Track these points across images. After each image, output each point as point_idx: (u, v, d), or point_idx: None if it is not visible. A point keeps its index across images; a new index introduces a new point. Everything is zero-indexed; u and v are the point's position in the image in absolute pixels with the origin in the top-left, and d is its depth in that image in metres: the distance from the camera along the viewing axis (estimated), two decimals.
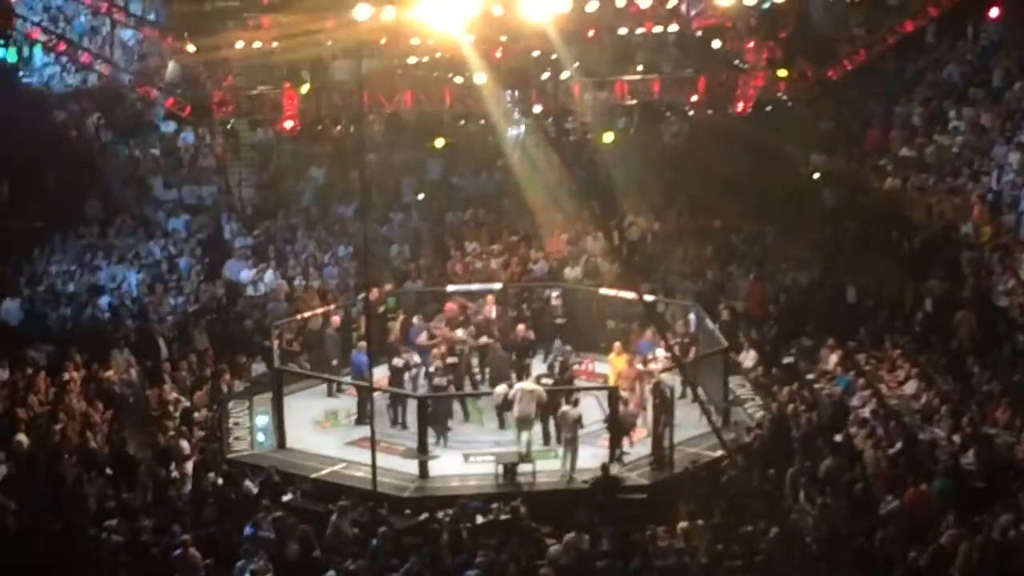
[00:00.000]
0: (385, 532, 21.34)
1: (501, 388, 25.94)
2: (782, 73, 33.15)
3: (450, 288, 31.18)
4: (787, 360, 29.24)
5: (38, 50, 36.40)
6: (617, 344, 27.53)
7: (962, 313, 28.33)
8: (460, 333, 28.56)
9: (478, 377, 28.42)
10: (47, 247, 33.13)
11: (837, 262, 32.09)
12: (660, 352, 26.47)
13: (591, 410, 25.86)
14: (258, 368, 29.36)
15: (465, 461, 24.97)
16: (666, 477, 24.45)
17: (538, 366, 28.55)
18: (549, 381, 26.72)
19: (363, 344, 27.08)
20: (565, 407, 24.86)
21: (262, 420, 26.94)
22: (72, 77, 37.71)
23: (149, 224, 34.62)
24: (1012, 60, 33.97)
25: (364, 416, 26.27)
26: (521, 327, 29.15)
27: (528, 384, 25.67)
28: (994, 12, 34.08)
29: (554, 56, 32.56)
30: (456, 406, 27.12)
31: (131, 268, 32.72)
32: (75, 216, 34.47)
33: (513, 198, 34.66)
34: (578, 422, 24.64)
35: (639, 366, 26.59)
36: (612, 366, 27.03)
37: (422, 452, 24.81)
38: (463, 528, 21.97)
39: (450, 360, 27.39)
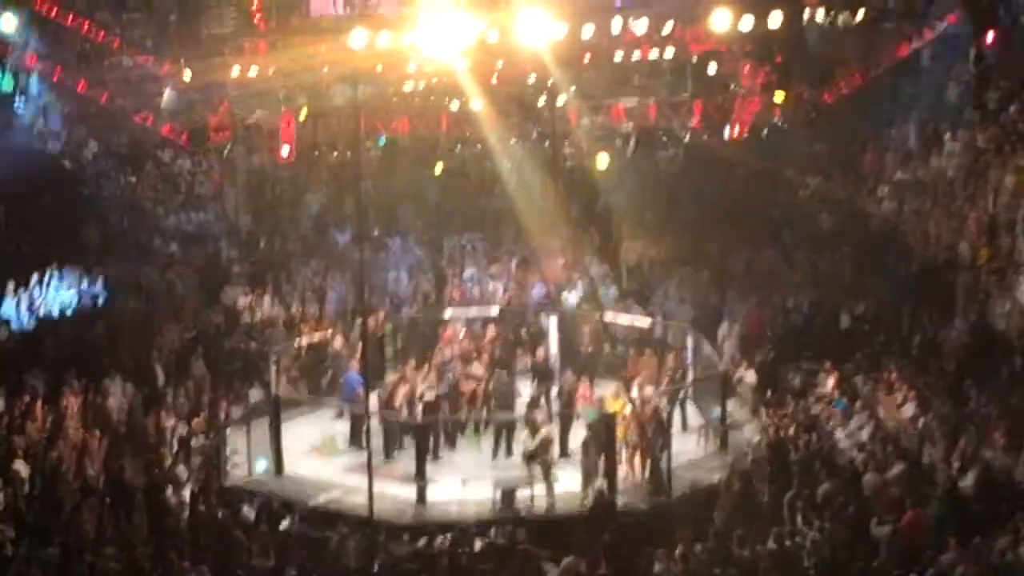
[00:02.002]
0: (384, 559, 21.33)
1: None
2: (778, 97, 33.17)
3: (447, 313, 31.21)
4: (785, 383, 29.29)
5: (34, 78, 36.39)
6: (612, 389, 27.49)
7: (954, 333, 28.40)
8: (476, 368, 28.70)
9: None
10: (45, 274, 33.12)
11: (834, 285, 32.11)
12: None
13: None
14: (256, 394, 29.36)
15: (463, 486, 24.96)
16: (664, 502, 24.45)
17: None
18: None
19: (355, 364, 27.19)
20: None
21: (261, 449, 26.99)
22: (68, 105, 37.71)
23: (146, 250, 34.64)
24: (1008, 82, 33.95)
25: (357, 438, 26.42)
26: (540, 352, 29.29)
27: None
28: (990, 36, 34.13)
29: (550, 81, 32.58)
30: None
31: (129, 294, 32.77)
32: (72, 243, 34.45)
33: (510, 223, 34.73)
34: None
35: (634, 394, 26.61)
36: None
37: (420, 478, 24.82)
38: (462, 553, 21.94)
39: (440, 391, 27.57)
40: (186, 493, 24.84)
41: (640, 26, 31.67)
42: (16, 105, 36.18)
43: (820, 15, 32.79)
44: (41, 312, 31.97)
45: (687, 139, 34.81)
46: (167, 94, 34.09)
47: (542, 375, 28.93)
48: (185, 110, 34.16)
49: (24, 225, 34.08)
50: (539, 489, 24.56)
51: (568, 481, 24.82)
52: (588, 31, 31.31)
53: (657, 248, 34.35)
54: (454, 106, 33.46)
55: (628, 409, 25.87)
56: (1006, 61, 34.27)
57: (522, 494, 24.41)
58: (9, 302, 31.77)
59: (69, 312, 32.06)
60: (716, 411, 27.31)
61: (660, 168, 36.67)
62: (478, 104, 32.46)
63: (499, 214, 35.80)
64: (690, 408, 28.58)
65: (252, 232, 35.93)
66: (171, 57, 33.11)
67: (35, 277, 32.70)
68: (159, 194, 36.50)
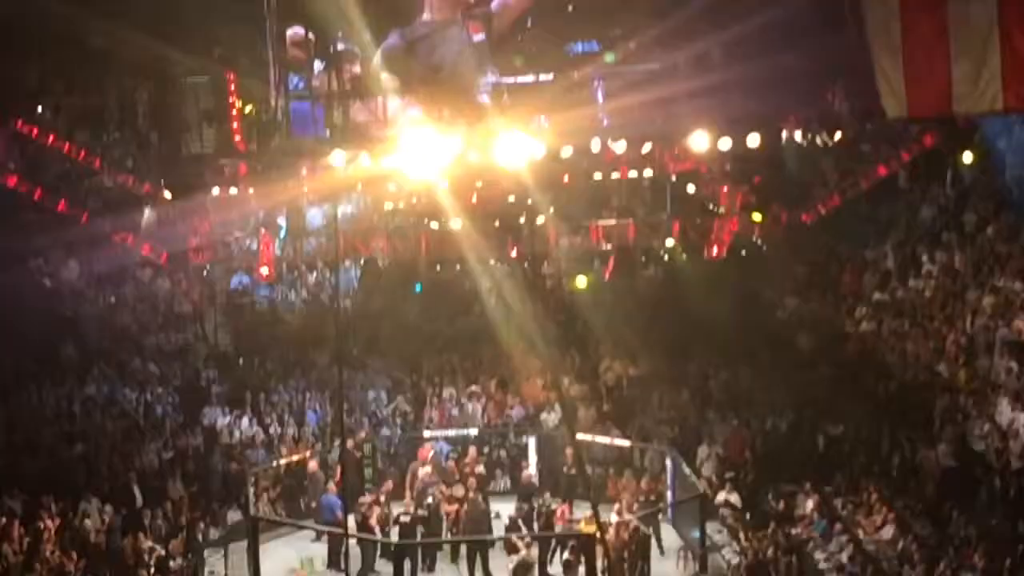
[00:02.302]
0: None
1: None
2: (756, 217, 33.36)
3: (427, 434, 31.14)
4: (765, 505, 29.21)
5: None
6: (587, 513, 27.34)
7: (933, 455, 28.39)
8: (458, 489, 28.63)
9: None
10: (22, 394, 32.98)
11: (813, 406, 32.10)
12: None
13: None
14: (234, 516, 29.19)
15: None
16: None
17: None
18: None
19: (332, 486, 27.09)
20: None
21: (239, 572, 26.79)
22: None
23: (125, 370, 34.53)
24: (985, 204, 34.16)
25: (335, 560, 26.24)
26: (527, 473, 29.23)
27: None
28: (967, 157, 34.37)
29: (529, 201, 32.76)
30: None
31: (107, 415, 32.62)
32: (51, 362, 34.33)
33: (490, 343, 34.72)
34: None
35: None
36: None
37: None
38: None
39: (420, 513, 27.44)
40: None
41: (619, 147, 31.87)
42: None
43: (798, 136, 32.99)
44: (19, 433, 31.80)
45: (666, 259, 34.94)
46: (147, 214, 34.17)
47: (522, 496, 28.83)
48: (165, 230, 34.25)
49: (2, 343, 33.95)
50: None
51: None
52: (567, 150, 31.51)
53: (636, 368, 34.36)
54: (434, 226, 33.55)
55: (609, 531, 25.78)
56: (983, 183, 34.54)
57: None
58: None
59: (46, 431, 31.86)
60: (695, 533, 27.20)
61: (639, 288, 36.69)
62: (458, 224, 32.54)
63: (478, 334, 35.78)
64: (669, 530, 28.48)
65: (231, 352, 35.85)
66: (151, 177, 33.24)
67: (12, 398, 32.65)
68: (138, 314, 36.37)
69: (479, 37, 30.93)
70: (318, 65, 29.92)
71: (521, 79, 30.25)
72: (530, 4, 31.31)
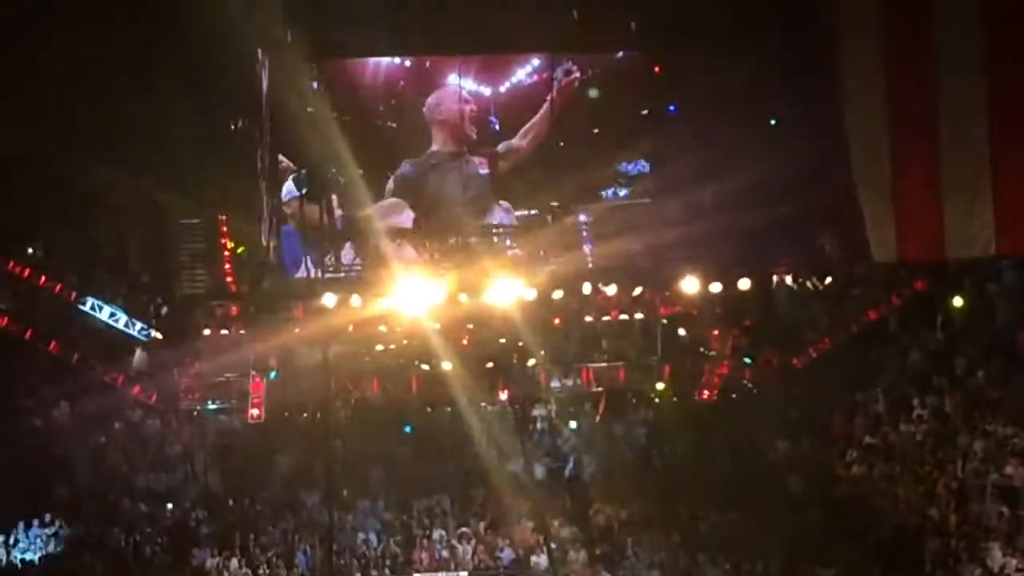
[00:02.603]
0: None
1: None
2: (747, 361, 33.50)
3: None
4: None
5: None
6: None
7: None
8: None
9: None
10: (11, 535, 32.85)
11: (804, 549, 31.93)
12: None
13: None
14: None
15: None
16: None
17: None
18: None
19: None
20: None
21: None
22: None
23: (114, 511, 34.39)
24: (975, 349, 34.21)
25: None
26: None
27: None
28: (957, 302, 34.51)
29: (520, 343, 32.90)
30: None
31: (96, 555, 32.46)
32: (40, 502, 34.18)
33: (480, 486, 34.66)
34: None
35: None
36: None
37: None
38: None
39: None
40: None
41: (610, 290, 32.09)
42: None
43: (788, 280, 33.19)
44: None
45: (656, 402, 35.00)
46: (138, 354, 34.19)
47: None
48: (156, 370, 34.28)
49: None
50: None
51: None
52: (558, 293, 31.74)
53: (627, 510, 34.25)
54: (425, 367, 33.66)
55: None
56: (973, 328, 34.61)
57: None
58: None
59: (33, 571, 31.70)
60: None
61: (630, 430, 36.68)
62: (448, 366, 32.69)
63: (469, 476, 35.70)
64: None
65: (221, 493, 35.70)
66: (143, 318, 33.32)
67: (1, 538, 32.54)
68: (128, 454, 36.28)
69: (484, 171, 31.61)
70: (291, 189, 30.45)
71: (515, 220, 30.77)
72: (534, 150, 32.02)
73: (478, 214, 32.47)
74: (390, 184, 32.81)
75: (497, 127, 32.92)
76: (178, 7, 29.64)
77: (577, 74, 32.88)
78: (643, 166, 33.08)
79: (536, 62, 32.94)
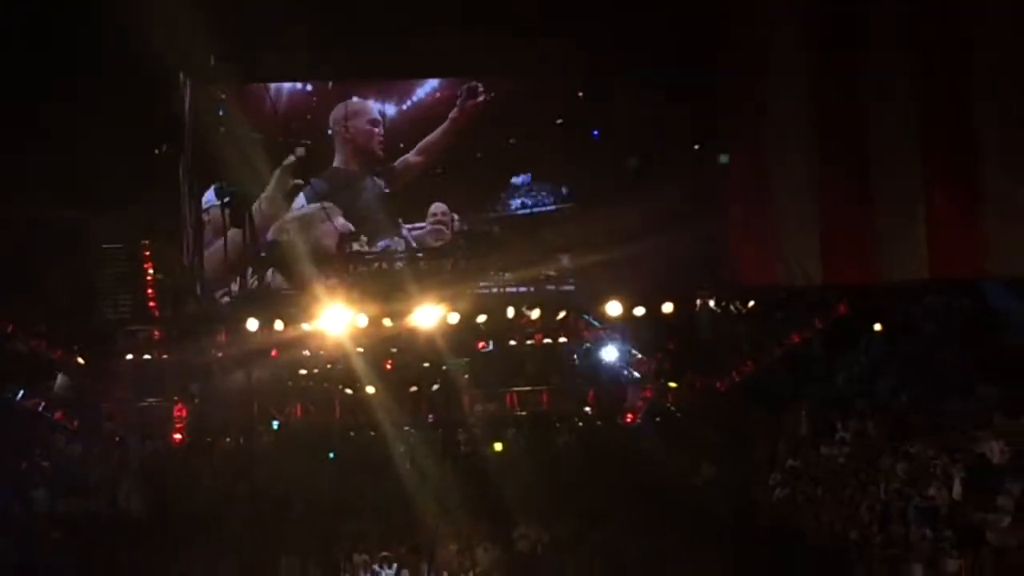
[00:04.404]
0: None
1: None
2: (671, 384, 33.60)
3: None
4: None
5: None
6: None
7: None
8: None
9: None
10: None
11: (729, 573, 31.98)
12: None
13: None
14: None
15: None
16: None
17: None
18: None
19: None
20: None
21: None
22: None
23: (33, 537, 34.10)
24: (897, 372, 34.43)
25: None
26: None
27: None
28: (877, 326, 34.75)
29: (444, 367, 32.94)
30: None
31: None
32: None
33: (403, 510, 34.57)
34: None
35: None
36: None
37: None
38: None
39: None
40: None
41: (534, 314, 32.21)
42: None
43: (711, 304, 33.36)
44: None
45: (581, 425, 35.06)
46: (59, 380, 34.03)
47: None
48: (78, 396, 34.10)
49: None
50: None
51: None
52: (482, 317, 31.83)
53: (550, 534, 34.21)
54: (348, 392, 33.64)
55: None
56: (895, 351, 34.85)
57: None
58: None
59: None
60: None
61: (553, 454, 36.69)
62: (372, 390, 32.69)
63: (392, 500, 35.61)
64: None
65: (144, 518, 35.47)
66: (64, 343, 33.17)
67: None
68: (49, 480, 36.01)
69: (387, 190, 31.73)
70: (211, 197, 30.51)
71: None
72: (427, 164, 32.15)
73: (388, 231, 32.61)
74: (300, 199, 32.80)
75: (402, 146, 33.07)
76: (100, 32, 29.56)
77: (482, 97, 33.01)
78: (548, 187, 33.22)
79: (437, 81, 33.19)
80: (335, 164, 33.07)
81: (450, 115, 33.37)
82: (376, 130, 32.90)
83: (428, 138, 33.25)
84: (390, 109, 33.24)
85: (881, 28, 26.75)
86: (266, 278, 32.60)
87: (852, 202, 26.94)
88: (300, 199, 33.23)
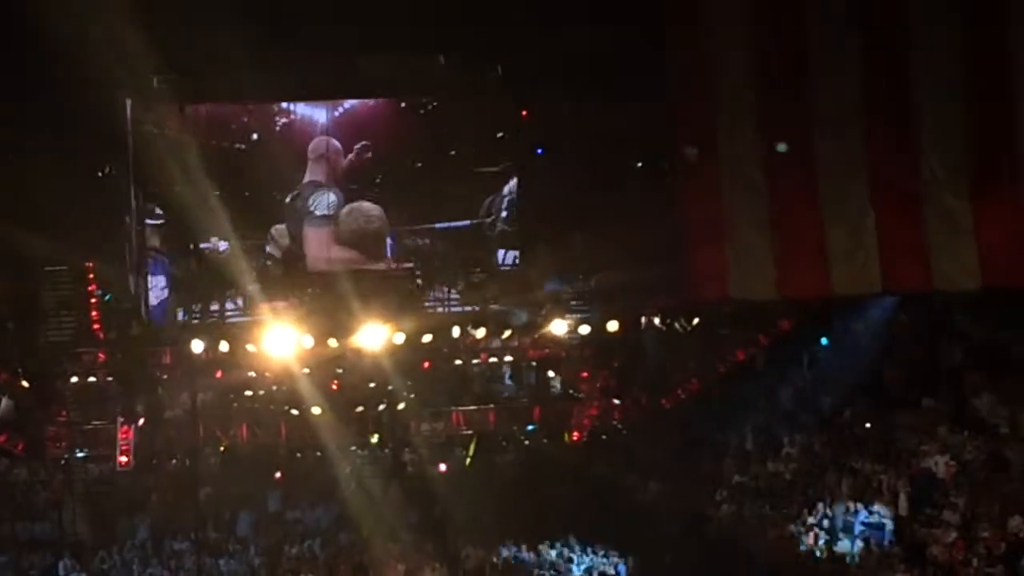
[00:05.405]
0: None
1: None
2: (616, 402, 33.70)
3: None
4: None
5: None
6: None
7: None
8: None
9: None
10: None
11: None
12: None
13: None
14: None
15: None
16: None
17: None
18: None
19: None
20: None
21: None
22: None
23: None
24: (841, 386, 34.60)
25: None
26: None
27: None
28: (824, 340, 34.93)
29: (390, 387, 32.95)
30: None
31: None
32: None
33: (350, 530, 34.55)
34: None
35: None
36: None
37: None
38: None
39: None
40: None
41: (479, 333, 32.27)
42: None
43: (656, 321, 33.47)
44: None
45: (527, 443, 35.12)
46: (3, 403, 33.81)
47: None
48: (22, 418, 33.91)
49: None
50: None
51: None
52: (427, 336, 31.86)
53: (496, 553, 34.23)
54: (294, 412, 33.59)
55: None
56: (839, 366, 35.02)
57: None
58: None
59: None
60: None
61: (500, 472, 36.73)
62: (318, 411, 32.66)
63: (339, 521, 35.59)
64: None
65: (90, 541, 35.30)
66: (8, 365, 32.97)
67: None
68: None
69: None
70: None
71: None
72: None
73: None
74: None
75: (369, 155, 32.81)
76: (43, 56, 29.39)
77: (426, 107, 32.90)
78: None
79: None
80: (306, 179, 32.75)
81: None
82: (333, 154, 32.56)
83: (364, 141, 32.76)
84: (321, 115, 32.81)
85: (824, 39, 26.82)
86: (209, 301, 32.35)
87: (804, 215, 26.94)
88: None
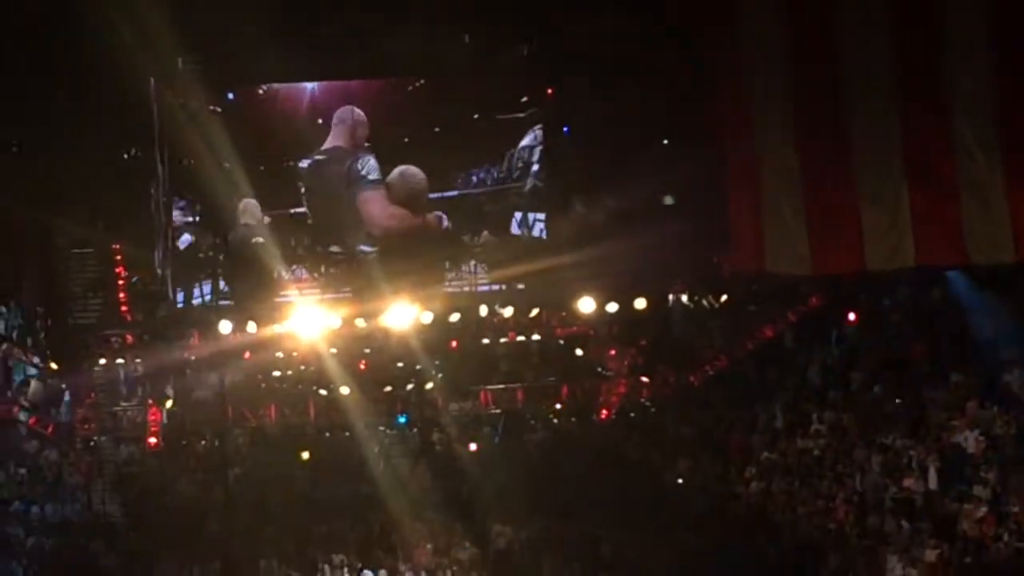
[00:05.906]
0: None
1: None
2: (644, 380, 33.67)
3: None
4: None
5: None
6: None
7: None
8: None
9: None
10: None
11: (706, 568, 32.02)
12: None
13: None
14: None
15: None
16: None
17: None
18: None
19: None
20: None
21: None
22: None
23: (10, 543, 34.01)
24: (870, 363, 34.50)
25: None
26: None
27: None
28: (852, 316, 34.83)
29: (418, 367, 32.96)
30: None
31: None
32: None
33: (379, 510, 34.57)
34: None
35: None
36: None
37: None
38: None
39: None
40: None
41: (506, 312, 32.24)
42: None
43: (684, 299, 33.41)
44: None
45: (555, 422, 35.12)
46: (33, 385, 33.91)
47: None
48: (52, 401, 34.01)
49: None
50: None
51: None
52: (455, 316, 31.85)
53: (526, 532, 34.26)
54: (322, 392, 33.64)
55: None
56: (868, 342, 34.92)
57: None
58: None
59: None
60: None
61: (528, 452, 36.74)
62: (346, 391, 32.70)
63: (368, 500, 35.60)
64: None
65: (119, 523, 35.40)
66: (37, 348, 33.09)
67: None
68: (23, 487, 35.90)
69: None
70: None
71: None
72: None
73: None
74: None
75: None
76: (69, 38, 29.43)
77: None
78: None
79: None
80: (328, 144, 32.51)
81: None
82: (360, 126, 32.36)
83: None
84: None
85: (854, 20, 26.71)
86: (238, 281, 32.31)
87: (838, 191, 26.84)
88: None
